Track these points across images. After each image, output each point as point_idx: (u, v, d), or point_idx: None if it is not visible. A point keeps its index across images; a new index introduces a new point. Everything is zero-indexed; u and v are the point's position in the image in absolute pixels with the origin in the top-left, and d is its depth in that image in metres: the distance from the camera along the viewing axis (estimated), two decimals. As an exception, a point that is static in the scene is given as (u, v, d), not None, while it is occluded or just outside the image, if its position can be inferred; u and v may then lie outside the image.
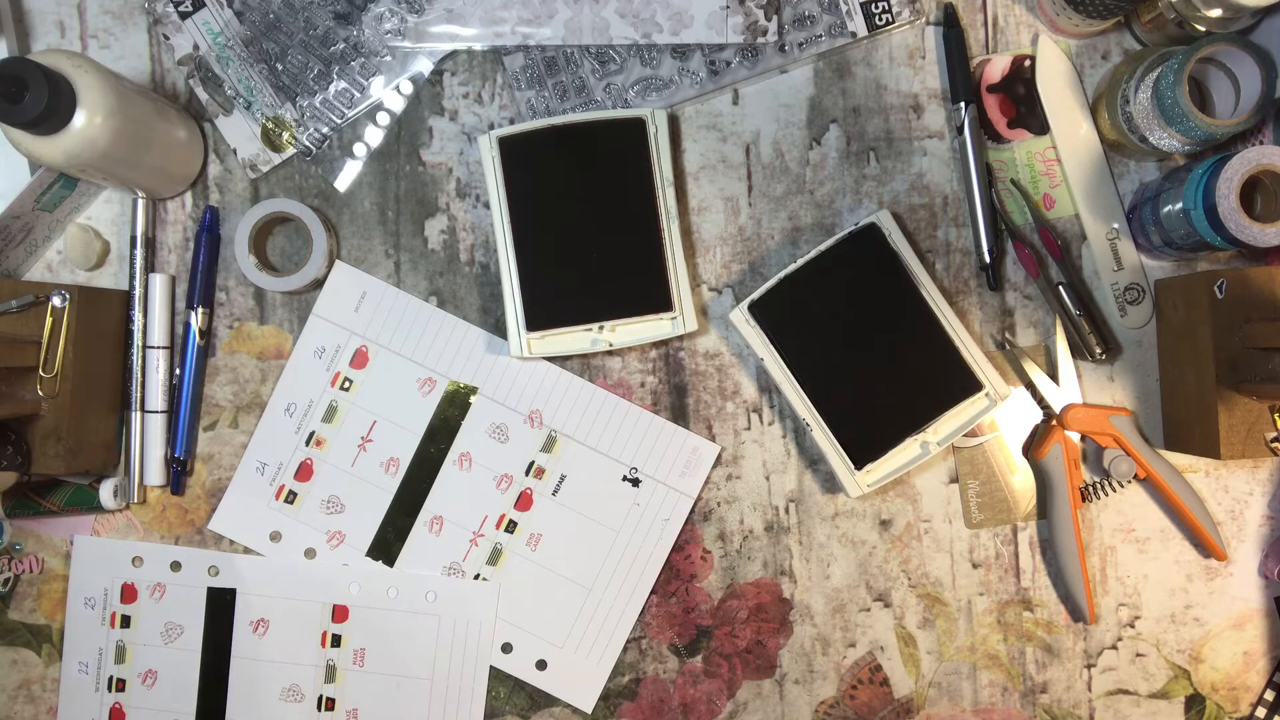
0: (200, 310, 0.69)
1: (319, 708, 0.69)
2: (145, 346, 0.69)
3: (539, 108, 0.70)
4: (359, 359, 0.70)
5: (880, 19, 0.69)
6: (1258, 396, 0.61)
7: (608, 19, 0.67)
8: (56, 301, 0.64)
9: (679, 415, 0.70)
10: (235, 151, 0.70)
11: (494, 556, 0.70)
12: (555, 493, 0.70)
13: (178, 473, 0.70)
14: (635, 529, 0.69)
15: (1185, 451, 0.67)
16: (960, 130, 0.69)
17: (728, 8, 0.67)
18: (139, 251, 0.69)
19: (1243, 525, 0.69)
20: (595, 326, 0.67)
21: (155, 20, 0.70)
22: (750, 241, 0.70)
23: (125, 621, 0.70)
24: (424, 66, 0.70)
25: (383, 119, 0.71)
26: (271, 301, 0.71)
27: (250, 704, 0.69)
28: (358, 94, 0.70)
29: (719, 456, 0.70)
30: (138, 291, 0.69)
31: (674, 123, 0.70)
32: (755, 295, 0.67)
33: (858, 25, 0.69)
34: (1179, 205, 0.62)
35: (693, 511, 0.70)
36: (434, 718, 0.69)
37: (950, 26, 0.69)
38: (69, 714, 0.70)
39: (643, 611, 0.69)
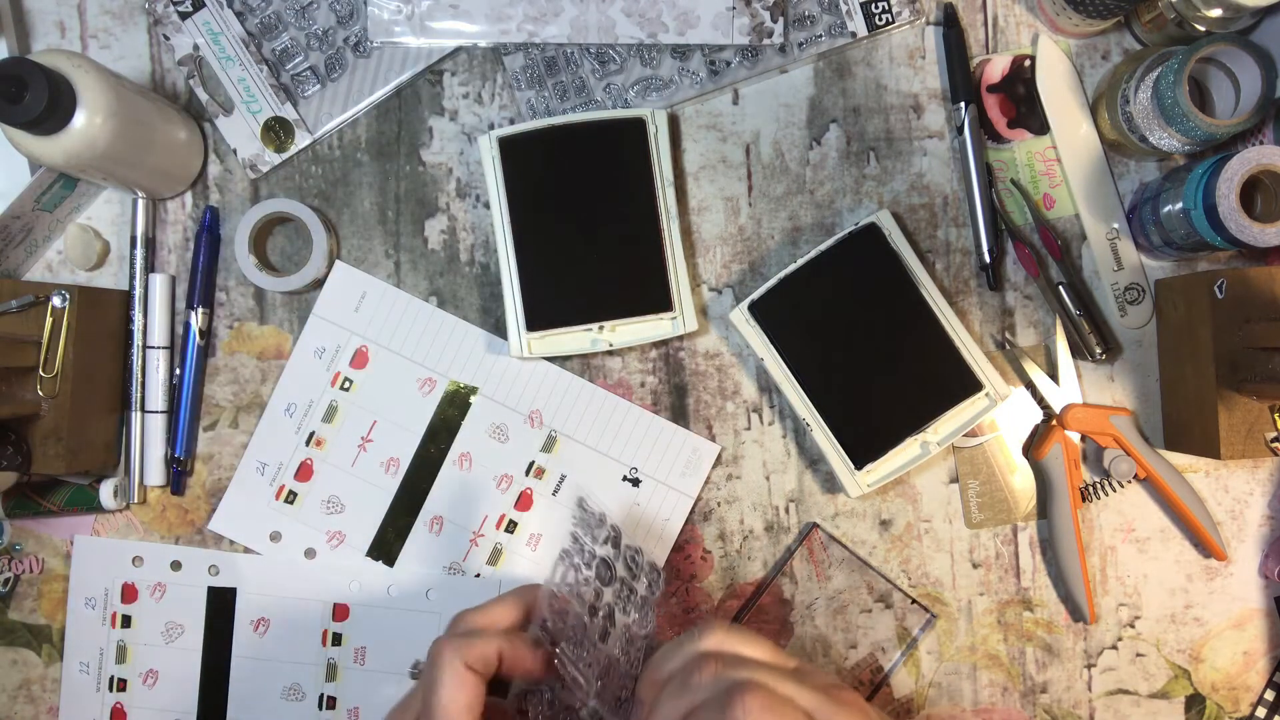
0: (200, 310, 0.69)
1: (320, 706, 0.69)
2: (145, 346, 0.69)
3: (539, 108, 0.70)
4: (359, 359, 0.70)
5: (880, 19, 0.69)
6: (1258, 396, 0.61)
7: (614, 18, 0.67)
8: (56, 301, 0.64)
9: (679, 415, 0.70)
10: (235, 151, 0.70)
11: (494, 556, 0.70)
12: (555, 493, 0.70)
13: (178, 473, 0.70)
14: (635, 529, 0.69)
15: (1185, 451, 0.67)
16: (960, 130, 0.69)
17: (734, 9, 0.67)
18: (139, 251, 0.69)
19: (1243, 525, 0.69)
20: (595, 326, 0.67)
21: (155, 20, 0.70)
22: (750, 241, 0.70)
23: (126, 621, 0.70)
24: (426, 64, 0.70)
25: (383, 118, 0.71)
26: (271, 301, 0.71)
27: (251, 703, 0.69)
28: (358, 93, 0.70)
29: (719, 456, 0.70)
30: (138, 291, 0.69)
31: (674, 123, 0.70)
32: (755, 295, 0.67)
33: (858, 25, 0.69)
34: (1179, 205, 0.62)
35: (693, 511, 0.70)
36: (434, 717, 0.69)
37: (950, 26, 0.69)
38: (70, 714, 0.70)
39: (643, 611, 0.69)
